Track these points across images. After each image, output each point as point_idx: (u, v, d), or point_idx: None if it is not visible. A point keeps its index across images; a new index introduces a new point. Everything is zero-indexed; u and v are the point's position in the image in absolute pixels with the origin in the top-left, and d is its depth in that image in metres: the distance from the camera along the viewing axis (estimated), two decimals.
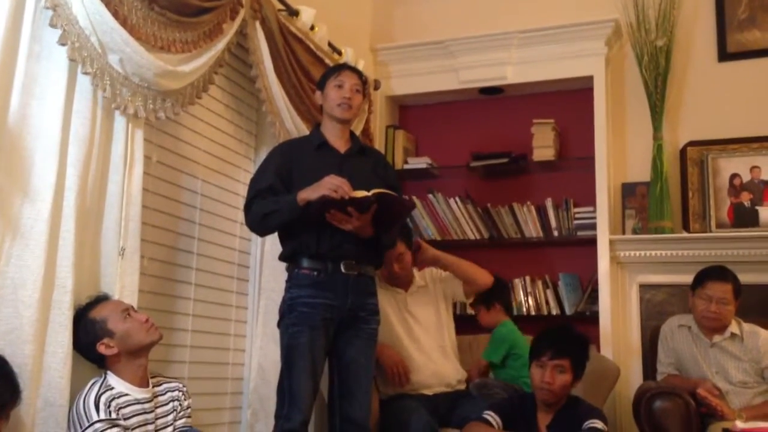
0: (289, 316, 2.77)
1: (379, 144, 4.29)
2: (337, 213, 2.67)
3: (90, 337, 2.23)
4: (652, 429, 3.07)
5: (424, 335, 3.36)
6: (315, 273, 2.77)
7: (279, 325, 2.83)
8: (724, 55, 4.07)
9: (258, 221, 2.79)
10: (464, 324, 3.78)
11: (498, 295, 3.50)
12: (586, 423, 2.69)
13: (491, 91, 4.41)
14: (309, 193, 2.67)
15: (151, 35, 2.42)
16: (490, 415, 2.82)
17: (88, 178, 2.28)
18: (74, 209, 2.22)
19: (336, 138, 2.90)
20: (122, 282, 2.38)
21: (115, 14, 2.26)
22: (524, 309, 4.14)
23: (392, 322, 3.31)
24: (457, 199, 4.31)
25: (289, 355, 2.74)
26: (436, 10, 4.58)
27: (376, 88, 4.19)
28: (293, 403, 2.69)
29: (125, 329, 2.25)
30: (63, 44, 2.18)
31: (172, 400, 2.39)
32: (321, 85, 2.93)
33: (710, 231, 3.85)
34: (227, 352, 3.17)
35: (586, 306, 4.01)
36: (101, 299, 2.31)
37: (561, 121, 4.26)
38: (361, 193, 2.64)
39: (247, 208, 2.81)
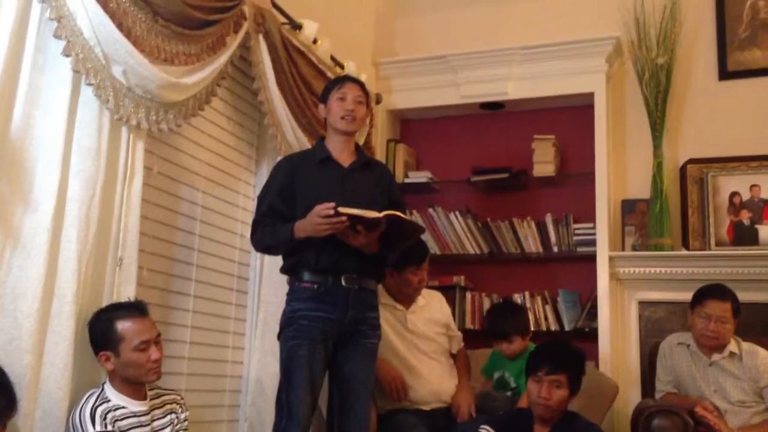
0: (288, 329, 2.77)
1: (379, 157, 4.30)
2: (347, 231, 2.66)
3: (100, 339, 2.23)
4: None
5: (422, 352, 3.34)
6: (315, 286, 2.76)
7: (279, 337, 2.83)
8: (725, 73, 4.09)
9: (262, 250, 2.97)
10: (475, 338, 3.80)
11: (528, 323, 3.47)
12: None
13: (492, 107, 4.43)
14: (305, 233, 2.67)
15: (155, 47, 2.43)
16: (487, 430, 2.81)
17: (92, 189, 2.28)
18: (76, 219, 2.22)
19: (340, 151, 2.90)
20: (119, 292, 2.37)
21: (120, 26, 2.27)
22: None
23: (391, 338, 3.30)
24: (458, 213, 4.32)
25: (288, 368, 2.74)
26: (439, 25, 4.61)
27: (378, 101, 4.21)
28: (291, 416, 2.68)
29: (130, 360, 2.22)
30: (67, 55, 2.19)
31: (170, 413, 2.38)
32: (324, 98, 2.93)
33: (710, 249, 3.86)
34: (225, 365, 3.16)
35: (585, 322, 4.01)
36: (138, 310, 2.28)
37: (561, 137, 4.27)
38: (372, 214, 2.63)
39: (252, 233, 2.87)
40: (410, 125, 4.68)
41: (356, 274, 2.79)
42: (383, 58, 4.49)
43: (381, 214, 2.63)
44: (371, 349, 2.87)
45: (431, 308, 3.44)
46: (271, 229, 2.78)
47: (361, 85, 2.96)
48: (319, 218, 2.62)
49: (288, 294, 2.85)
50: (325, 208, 2.61)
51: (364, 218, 2.62)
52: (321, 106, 2.94)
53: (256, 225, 2.85)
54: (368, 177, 2.91)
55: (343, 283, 2.76)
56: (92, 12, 2.20)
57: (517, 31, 4.37)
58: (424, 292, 3.47)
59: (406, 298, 3.38)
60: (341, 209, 2.60)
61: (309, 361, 2.71)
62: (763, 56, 4.04)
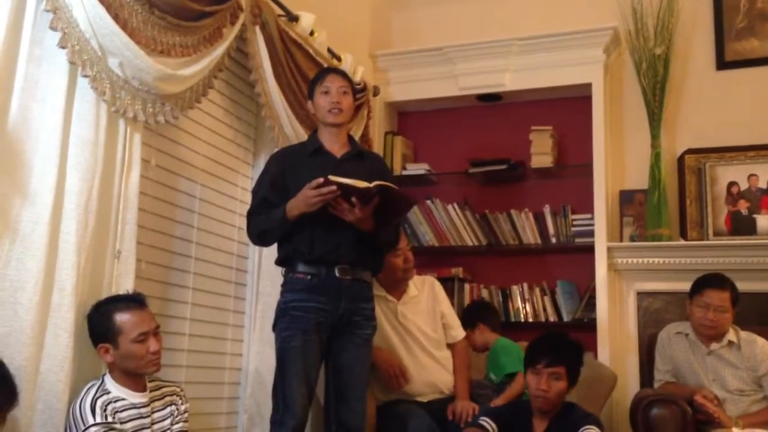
0: (282, 320, 2.77)
1: (377, 150, 4.29)
2: (341, 201, 2.67)
3: (99, 331, 2.23)
4: None
5: (416, 344, 3.33)
6: (309, 277, 2.76)
7: (273, 329, 2.83)
8: (722, 63, 4.09)
9: (257, 240, 2.90)
10: None
11: (479, 315, 3.56)
12: (581, 429, 2.68)
13: (490, 98, 4.42)
14: (298, 210, 2.68)
15: (151, 39, 2.42)
16: (486, 422, 2.82)
17: (90, 181, 2.28)
18: (74, 212, 2.22)
19: (332, 143, 2.90)
20: (117, 285, 2.38)
21: (116, 18, 2.27)
22: (522, 316, 4.14)
23: (385, 330, 3.30)
24: (456, 205, 4.32)
25: (282, 359, 2.74)
26: (435, 16, 4.60)
27: (375, 94, 4.20)
28: (287, 407, 2.69)
29: (129, 351, 2.22)
30: (63, 47, 2.18)
31: (170, 405, 2.39)
32: (309, 94, 2.94)
33: (708, 239, 3.86)
34: (224, 357, 3.17)
35: (584, 313, 4.02)
36: (136, 302, 2.28)
37: (559, 129, 4.27)
38: (363, 184, 2.63)
39: (247, 225, 2.87)
40: (408, 117, 4.68)
41: (350, 265, 2.79)
42: (380, 51, 4.48)
43: (372, 184, 2.64)
44: (366, 341, 2.86)
45: (424, 298, 3.43)
46: (264, 216, 2.79)
47: (343, 74, 2.96)
48: (309, 190, 2.63)
49: (282, 285, 2.85)
50: (316, 180, 2.62)
51: (355, 188, 2.62)
52: (309, 103, 2.95)
53: (249, 216, 2.86)
54: (361, 166, 2.90)
55: (337, 274, 2.76)
56: (88, 3, 2.19)
57: (515, 22, 4.36)
58: (417, 280, 3.47)
59: (397, 285, 3.37)
60: (332, 178, 2.61)
61: (302, 352, 2.71)
62: (760, 46, 4.04)
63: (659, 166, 3.93)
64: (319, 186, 2.61)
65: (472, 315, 3.58)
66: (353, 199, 2.65)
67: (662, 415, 3.04)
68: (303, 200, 2.66)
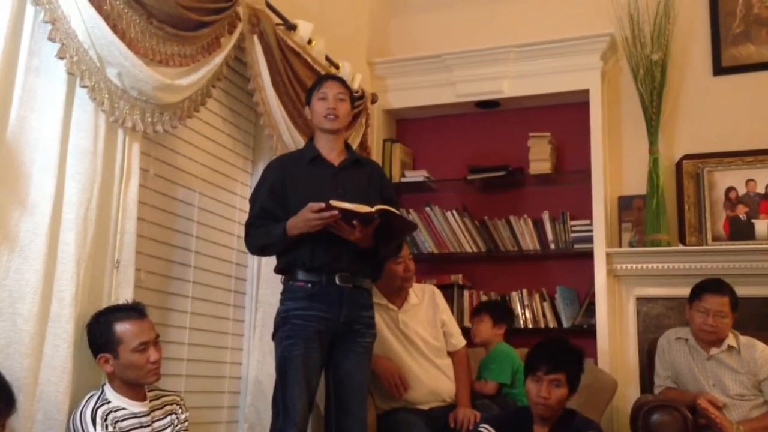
0: (283, 328, 2.77)
1: (376, 157, 4.30)
2: (343, 224, 2.67)
3: (99, 340, 2.23)
4: None
5: (417, 352, 3.33)
6: (309, 285, 2.76)
7: (273, 337, 2.83)
8: (719, 69, 4.10)
9: (257, 252, 2.93)
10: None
11: (488, 306, 3.71)
12: None
13: (488, 105, 4.43)
14: (298, 230, 2.68)
15: (150, 49, 2.43)
16: (487, 429, 2.81)
17: (89, 191, 2.28)
18: (73, 222, 2.22)
19: (329, 150, 2.90)
20: (116, 295, 2.38)
21: (114, 28, 2.27)
22: (521, 322, 4.14)
23: (386, 338, 3.29)
24: (455, 212, 4.32)
25: (283, 367, 2.73)
26: (433, 24, 4.61)
27: (374, 101, 4.21)
28: (287, 416, 2.68)
29: (129, 361, 2.22)
30: (61, 58, 2.19)
31: (170, 414, 2.39)
32: (307, 100, 2.95)
33: (706, 244, 3.86)
34: (224, 366, 3.17)
35: (584, 319, 4.02)
36: (136, 312, 2.28)
37: (557, 135, 4.27)
38: (364, 208, 2.64)
39: (246, 235, 2.86)
40: (406, 125, 4.68)
41: (351, 272, 2.79)
42: (378, 58, 4.49)
43: (373, 209, 2.64)
44: (366, 349, 2.86)
45: (424, 306, 3.43)
46: (264, 230, 2.79)
47: (342, 82, 2.97)
48: (311, 213, 2.63)
49: (282, 293, 2.84)
50: (318, 204, 2.62)
51: (356, 213, 2.63)
52: (306, 109, 2.96)
53: (248, 227, 2.85)
54: (359, 174, 2.91)
55: (338, 281, 2.76)
56: (86, 14, 2.20)
57: (512, 29, 4.38)
58: (418, 288, 3.47)
59: (397, 292, 3.36)
60: (333, 203, 2.61)
61: (304, 361, 2.71)
62: (757, 51, 4.05)
63: (657, 171, 3.94)
64: (320, 209, 2.61)
65: (482, 305, 3.68)
66: (354, 222, 2.66)
67: (663, 421, 3.03)
68: (303, 222, 2.67)
